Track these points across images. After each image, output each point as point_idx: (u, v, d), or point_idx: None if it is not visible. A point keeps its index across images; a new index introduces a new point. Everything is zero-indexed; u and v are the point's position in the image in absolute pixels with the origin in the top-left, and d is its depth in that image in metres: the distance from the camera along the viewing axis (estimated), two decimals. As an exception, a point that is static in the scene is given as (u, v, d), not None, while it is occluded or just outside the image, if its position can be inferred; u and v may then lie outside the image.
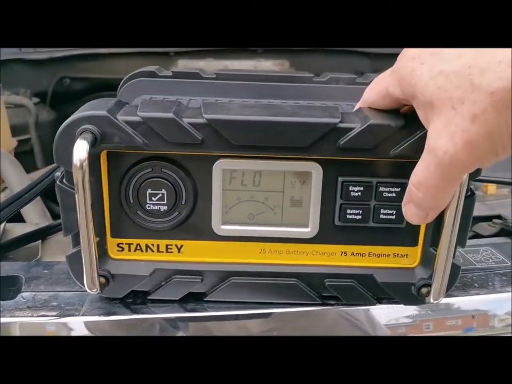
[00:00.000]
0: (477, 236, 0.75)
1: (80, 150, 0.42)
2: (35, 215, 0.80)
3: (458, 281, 0.54)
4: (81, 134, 0.43)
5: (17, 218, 0.81)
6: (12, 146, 1.15)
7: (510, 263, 0.59)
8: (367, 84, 0.52)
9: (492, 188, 0.88)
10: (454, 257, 0.48)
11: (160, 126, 0.44)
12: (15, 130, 1.24)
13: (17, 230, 0.70)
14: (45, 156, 1.33)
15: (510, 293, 0.53)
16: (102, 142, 0.44)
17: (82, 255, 0.45)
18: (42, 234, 0.65)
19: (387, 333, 0.52)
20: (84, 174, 0.42)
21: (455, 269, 0.48)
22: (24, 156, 1.21)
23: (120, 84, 0.61)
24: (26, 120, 1.33)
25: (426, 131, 0.43)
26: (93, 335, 0.49)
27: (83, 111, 0.44)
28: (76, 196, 0.43)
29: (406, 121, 0.44)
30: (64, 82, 1.56)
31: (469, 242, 0.66)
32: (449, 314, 0.52)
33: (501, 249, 0.62)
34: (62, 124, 0.44)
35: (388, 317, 0.52)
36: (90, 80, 1.57)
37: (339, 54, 1.65)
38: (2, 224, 0.70)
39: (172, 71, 0.60)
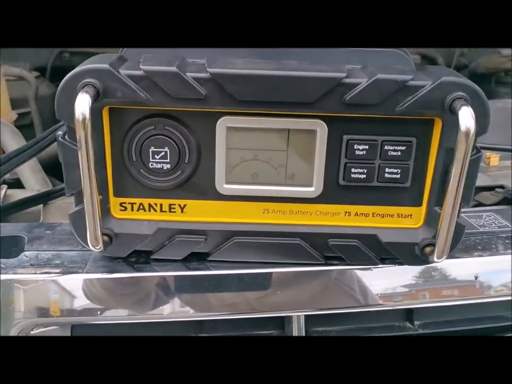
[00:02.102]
0: (480, 204, 0.75)
1: (82, 104, 0.41)
2: (35, 183, 0.80)
3: (461, 244, 0.54)
4: (83, 87, 0.42)
5: (19, 185, 0.81)
6: (11, 118, 1.14)
7: (512, 227, 0.58)
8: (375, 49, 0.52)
9: (494, 159, 0.87)
10: (458, 216, 0.48)
11: (163, 80, 0.43)
12: (15, 103, 1.23)
13: (18, 195, 0.70)
14: (45, 129, 1.32)
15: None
16: (104, 96, 0.43)
17: (86, 213, 0.45)
18: (43, 198, 0.65)
19: (378, 302, 0.52)
20: (86, 129, 0.42)
21: (459, 228, 0.48)
22: (24, 129, 1.20)
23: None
24: (26, 94, 1.31)
25: (434, 86, 0.43)
26: (96, 292, 0.49)
27: (85, 65, 0.44)
28: (79, 152, 0.43)
29: (414, 76, 0.43)
30: (63, 56, 1.54)
31: (472, 209, 0.67)
32: (452, 275, 0.53)
33: (503, 215, 0.62)
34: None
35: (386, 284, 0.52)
36: (89, 55, 1.55)
37: None
38: (3, 190, 0.69)
39: None
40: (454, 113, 0.42)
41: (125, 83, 0.43)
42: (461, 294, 0.53)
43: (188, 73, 0.43)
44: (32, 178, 0.81)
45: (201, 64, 0.45)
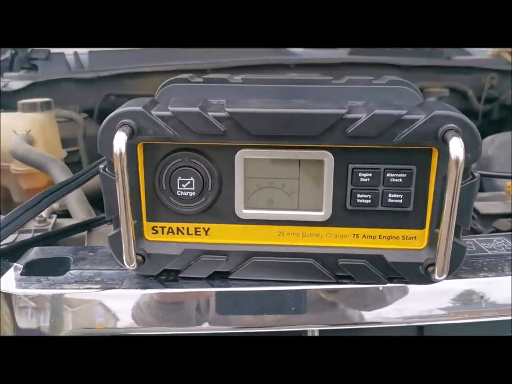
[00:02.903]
0: (497, 231, 0.77)
1: (120, 140, 0.49)
2: (81, 213, 0.88)
3: (469, 266, 0.57)
4: (120, 127, 0.50)
5: (67, 215, 0.90)
6: (61, 156, 1.25)
7: (522, 251, 0.61)
8: (383, 85, 0.57)
9: (515, 188, 0.89)
10: (459, 237, 0.52)
11: (187, 119, 0.50)
12: (65, 142, 1.35)
13: (66, 223, 0.78)
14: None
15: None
16: (138, 134, 0.51)
17: (122, 235, 0.52)
18: (88, 226, 0.73)
19: (386, 319, 0.55)
20: (122, 162, 0.49)
21: (459, 249, 0.51)
22: (72, 166, 1.31)
23: (158, 89, 0.68)
24: (74, 134, 1.44)
25: (426, 120, 0.48)
26: (131, 306, 0.55)
27: (123, 108, 0.51)
28: (116, 182, 0.50)
29: (408, 110, 0.48)
30: (110, 99, 1.67)
31: (485, 235, 0.69)
32: (457, 295, 0.56)
33: (515, 240, 0.64)
34: None
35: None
36: (133, 97, 1.67)
37: (370, 67, 1.70)
38: (53, 219, 0.78)
39: (202, 78, 0.67)
40: (446, 143, 0.47)
41: (155, 122, 0.50)
42: (466, 313, 0.55)
43: (209, 113, 0.50)
44: (78, 208, 0.89)
45: (221, 104, 0.51)
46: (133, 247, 0.52)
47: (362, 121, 0.48)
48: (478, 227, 0.81)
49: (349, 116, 0.49)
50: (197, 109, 0.50)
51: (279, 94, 0.65)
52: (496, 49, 1.88)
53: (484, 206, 0.84)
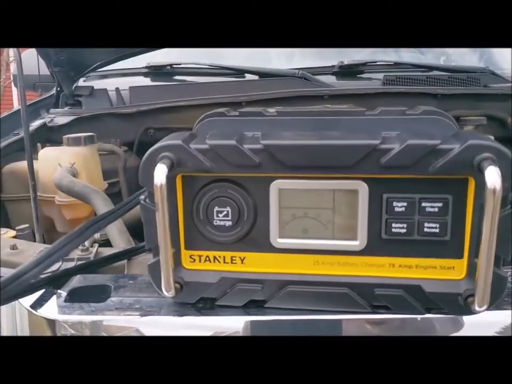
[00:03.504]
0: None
1: (160, 173, 0.51)
2: (121, 242, 0.91)
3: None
4: (161, 160, 0.52)
5: (108, 245, 0.92)
6: (103, 187, 1.30)
7: None
8: (417, 115, 0.58)
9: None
10: (500, 267, 0.51)
11: (224, 151, 0.52)
12: (106, 174, 1.40)
13: (107, 252, 0.80)
14: (131, 195, 1.48)
15: None
16: (177, 166, 0.53)
17: (161, 263, 0.53)
18: (128, 254, 0.75)
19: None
20: (162, 193, 0.51)
21: (500, 279, 0.50)
22: (113, 196, 1.36)
23: (195, 123, 0.71)
24: (115, 166, 1.49)
25: (461, 149, 0.48)
26: (168, 334, 0.56)
27: (163, 142, 0.54)
28: (156, 213, 0.52)
29: (442, 140, 0.49)
30: (148, 132, 1.73)
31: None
32: (500, 326, 0.54)
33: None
34: None
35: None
36: (171, 130, 1.73)
37: (404, 96, 1.70)
38: (95, 248, 0.81)
39: (238, 111, 0.69)
40: (482, 173, 0.47)
41: (193, 155, 0.52)
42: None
43: (244, 145, 0.52)
44: (119, 237, 0.92)
45: (256, 137, 0.53)
46: (171, 275, 0.53)
47: (396, 152, 0.49)
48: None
49: (383, 146, 0.50)
50: (233, 142, 0.52)
51: (313, 125, 0.67)
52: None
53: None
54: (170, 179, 0.54)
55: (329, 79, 1.89)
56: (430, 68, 1.94)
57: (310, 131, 0.59)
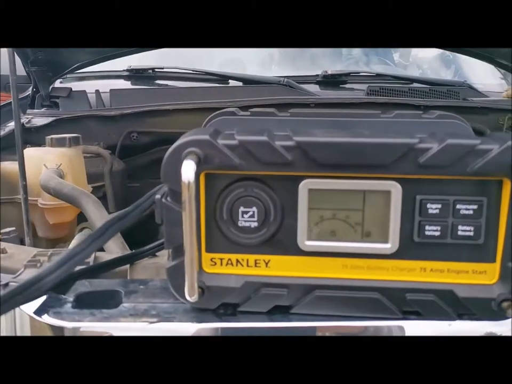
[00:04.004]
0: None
1: (188, 169, 0.48)
2: (116, 247, 0.86)
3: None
4: (187, 155, 0.49)
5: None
6: (88, 191, 1.25)
7: None
8: (432, 119, 0.57)
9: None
10: (534, 271, 0.50)
11: (255, 148, 0.49)
12: (89, 178, 1.35)
13: (105, 257, 0.76)
14: (116, 201, 1.42)
15: None
16: (204, 163, 0.50)
17: (186, 266, 0.50)
18: (131, 259, 0.71)
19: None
20: (191, 191, 0.48)
21: (535, 284, 0.50)
22: (96, 201, 1.30)
23: (205, 121, 0.68)
24: (98, 169, 1.44)
25: (501, 150, 0.47)
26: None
27: (188, 136, 0.51)
28: (183, 212, 0.49)
29: (482, 141, 0.48)
30: (132, 136, 1.68)
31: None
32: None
33: None
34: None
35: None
36: (155, 134, 1.69)
37: (388, 107, 1.72)
38: (93, 253, 0.76)
39: (249, 111, 0.67)
40: None
41: (222, 151, 0.50)
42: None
43: (276, 142, 0.50)
44: (113, 243, 0.87)
45: (286, 134, 0.51)
46: (195, 278, 0.50)
47: (435, 151, 0.48)
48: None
49: (421, 145, 0.48)
50: (265, 138, 0.49)
51: (330, 126, 0.65)
52: (511, 91, 1.92)
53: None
54: (195, 177, 0.51)
55: (313, 88, 1.89)
56: (411, 80, 1.97)
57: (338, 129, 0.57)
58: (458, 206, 0.50)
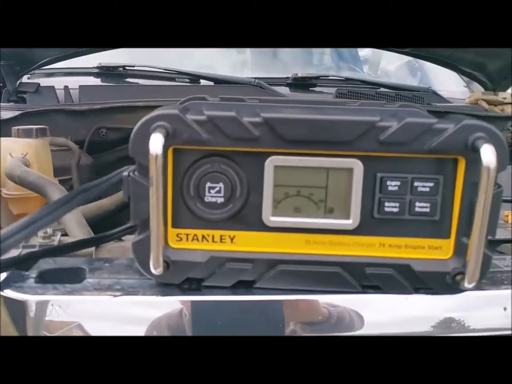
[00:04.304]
0: (503, 254, 0.79)
1: (156, 142, 0.49)
2: (81, 235, 0.86)
3: (489, 280, 0.58)
4: (155, 129, 0.50)
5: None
6: (54, 184, 1.23)
7: (536, 267, 0.62)
8: (396, 108, 0.60)
9: (512, 217, 0.92)
10: (485, 247, 0.53)
11: (223, 123, 0.51)
12: (55, 171, 1.33)
13: (71, 241, 0.75)
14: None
15: (539, 289, 0.57)
16: (172, 137, 0.51)
17: (152, 239, 0.51)
18: (97, 241, 0.71)
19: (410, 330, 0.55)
20: (158, 165, 0.48)
21: (486, 258, 0.52)
22: (63, 194, 1.29)
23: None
24: (65, 163, 1.42)
25: (457, 128, 0.49)
26: (150, 314, 0.53)
27: (158, 111, 0.51)
28: (150, 187, 0.49)
29: (439, 120, 0.50)
30: (100, 132, 1.66)
31: (499, 255, 0.71)
32: (480, 308, 0.56)
33: (526, 258, 0.66)
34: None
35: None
36: (124, 131, 1.67)
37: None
38: (58, 235, 0.76)
39: (219, 97, 0.68)
40: (476, 151, 0.49)
41: (190, 126, 0.51)
42: (490, 325, 0.56)
43: (244, 118, 0.51)
44: (78, 230, 0.87)
45: (254, 111, 0.52)
46: (161, 252, 0.51)
47: (395, 129, 0.50)
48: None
49: (382, 123, 0.51)
50: (233, 114, 0.51)
51: (305, 108, 0.67)
52: (473, 98, 1.99)
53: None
54: (163, 151, 0.51)
55: (283, 90, 1.92)
56: (379, 85, 2.02)
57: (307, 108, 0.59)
58: (416, 184, 0.53)
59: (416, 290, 0.55)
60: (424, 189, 0.53)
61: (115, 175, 0.57)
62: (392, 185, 0.53)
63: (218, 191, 0.54)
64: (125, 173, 0.55)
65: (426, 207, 0.53)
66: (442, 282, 0.53)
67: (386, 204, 0.53)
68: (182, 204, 0.54)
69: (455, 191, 0.53)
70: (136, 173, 0.53)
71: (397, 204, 0.53)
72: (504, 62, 2.00)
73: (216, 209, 0.54)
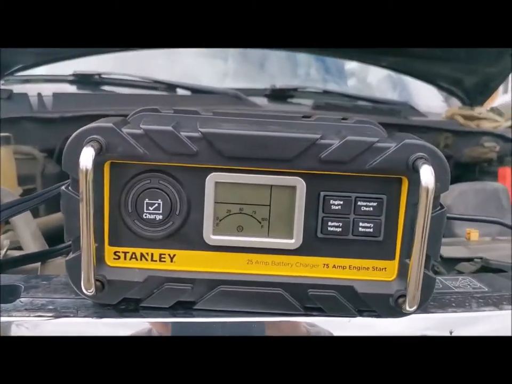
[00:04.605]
0: (460, 274, 0.78)
1: (86, 156, 0.47)
2: (35, 248, 0.83)
3: (437, 301, 0.57)
4: (88, 142, 0.48)
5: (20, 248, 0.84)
6: (17, 193, 1.20)
7: (487, 289, 0.61)
8: (349, 123, 0.59)
9: (474, 234, 0.91)
10: (428, 269, 0.51)
11: (159, 137, 0.49)
12: (21, 179, 1.30)
13: (17, 255, 0.73)
14: (48, 205, 1.37)
15: (486, 312, 0.56)
16: (106, 151, 0.49)
17: (82, 258, 0.49)
18: (42, 256, 0.69)
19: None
20: (88, 179, 0.47)
21: (429, 280, 0.51)
22: (28, 204, 1.26)
23: (127, 117, 0.67)
24: (32, 172, 1.39)
25: (398, 147, 0.48)
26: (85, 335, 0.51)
27: (92, 124, 0.50)
28: (80, 202, 0.47)
29: (380, 139, 0.49)
30: None
31: (451, 275, 0.70)
32: (427, 329, 0.55)
33: (478, 279, 0.65)
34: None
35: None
36: None
37: None
38: (4, 249, 0.73)
39: (173, 109, 0.67)
40: (416, 171, 0.48)
41: (125, 139, 0.49)
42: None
43: (181, 132, 0.49)
44: (32, 243, 0.84)
45: (194, 125, 0.51)
46: (92, 270, 0.49)
47: (335, 147, 0.49)
48: (441, 270, 0.81)
49: (322, 141, 0.49)
50: (169, 128, 0.49)
51: (252, 124, 0.65)
52: (450, 112, 2.00)
53: (446, 250, 0.85)
54: (98, 166, 0.50)
55: (261, 101, 1.91)
56: (356, 98, 2.03)
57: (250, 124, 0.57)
58: (359, 203, 0.52)
59: (360, 313, 0.53)
60: (367, 209, 0.52)
61: (54, 188, 0.55)
62: (335, 204, 0.52)
63: (157, 208, 0.52)
64: (63, 187, 0.53)
65: (369, 227, 0.52)
66: (385, 305, 0.52)
67: (329, 223, 0.52)
68: (119, 221, 0.52)
69: (399, 212, 0.52)
70: (69, 187, 0.51)
71: (340, 224, 0.52)
72: (480, 78, 2.02)
73: (155, 227, 0.52)
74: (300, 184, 0.51)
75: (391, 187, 0.51)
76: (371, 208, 0.51)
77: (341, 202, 0.51)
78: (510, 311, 0.56)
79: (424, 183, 0.46)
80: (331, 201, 0.52)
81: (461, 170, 1.77)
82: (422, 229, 0.47)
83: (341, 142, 0.49)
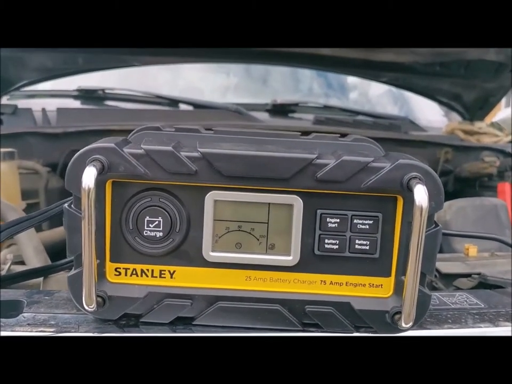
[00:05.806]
0: (458, 289, 0.79)
1: (89, 176, 0.48)
2: (38, 263, 0.84)
3: (433, 318, 0.58)
4: (91, 162, 0.49)
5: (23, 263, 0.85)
6: (21, 207, 1.22)
7: (483, 305, 0.62)
8: (347, 142, 0.60)
9: (473, 250, 0.92)
10: (424, 286, 0.52)
11: (159, 157, 0.50)
12: (25, 194, 1.32)
13: (21, 270, 0.74)
14: (51, 219, 1.39)
15: (482, 329, 0.56)
16: (108, 170, 0.50)
17: (84, 274, 0.50)
18: (44, 272, 0.70)
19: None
20: (90, 198, 0.48)
21: (424, 297, 0.52)
22: (31, 218, 1.27)
23: (129, 136, 0.69)
24: (36, 186, 1.41)
25: (392, 167, 0.50)
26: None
27: (95, 144, 0.51)
28: (82, 220, 0.49)
29: (374, 158, 0.51)
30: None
31: (448, 291, 0.70)
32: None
33: (475, 295, 0.65)
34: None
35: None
36: None
37: None
38: (8, 264, 0.74)
39: (174, 127, 0.68)
40: (410, 191, 0.49)
41: (127, 159, 0.50)
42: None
43: (181, 152, 0.51)
44: (35, 257, 0.85)
45: (194, 145, 0.52)
46: (94, 287, 0.50)
47: (331, 166, 0.50)
48: (440, 285, 0.82)
49: (318, 161, 0.51)
50: (169, 148, 0.50)
51: (250, 143, 0.67)
52: (450, 127, 2.01)
53: (444, 266, 0.86)
54: (100, 184, 0.51)
55: (262, 116, 1.93)
56: (356, 113, 2.05)
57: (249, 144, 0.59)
58: (355, 221, 0.53)
59: (357, 329, 0.54)
60: (363, 226, 0.53)
61: (57, 206, 0.57)
62: (332, 222, 0.53)
63: (158, 225, 0.53)
64: (66, 205, 0.54)
65: (366, 244, 0.53)
66: (382, 321, 0.53)
67: (326, 240, 0.53)
68: (121, 238, 0.54)
69: (394, 229, 0.53)
70: (72, 205, 0.52)
71: (337, 241, 0.53)
72: (479, 93, 2.04)
73: (155, 244, 0.53)
74: (297, 202, 0.52)
75: (386, 205, 0.52)
76: (367, 226, 0.53)
77: (338, 220, 0.53)
78: (507, 327, 0.56)
79: (418, 202, 0.47)
80: (328, 219, 0.53)
81: (461, 184, 1.79)
82: (416, 247, 0.48)
83: (336, 162, 0.50)
